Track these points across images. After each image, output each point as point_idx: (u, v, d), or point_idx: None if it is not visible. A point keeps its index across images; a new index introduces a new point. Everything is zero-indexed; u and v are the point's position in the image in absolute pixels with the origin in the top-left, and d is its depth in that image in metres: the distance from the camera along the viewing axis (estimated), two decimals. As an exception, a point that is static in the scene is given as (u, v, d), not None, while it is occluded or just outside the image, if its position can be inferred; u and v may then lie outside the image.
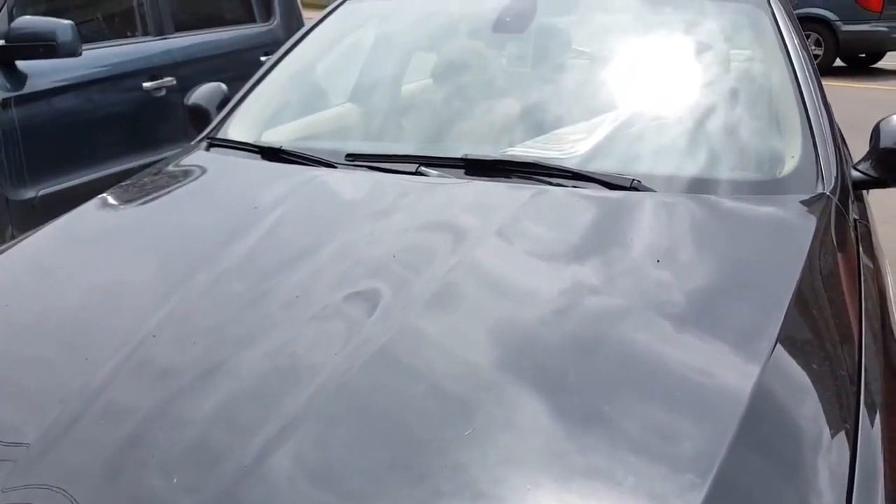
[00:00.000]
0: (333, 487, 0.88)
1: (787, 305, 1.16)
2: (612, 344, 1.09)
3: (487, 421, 0.95)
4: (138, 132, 3.41)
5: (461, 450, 0.91)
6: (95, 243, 1.56)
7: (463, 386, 1.03)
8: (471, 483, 0.87)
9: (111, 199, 1.77)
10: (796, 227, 1.43)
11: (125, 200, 1.77)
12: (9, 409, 1.06)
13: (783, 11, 2.02)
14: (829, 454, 0.93)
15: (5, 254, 1.54)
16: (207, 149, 1.98)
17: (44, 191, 2.98)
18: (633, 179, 1.52)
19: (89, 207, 1.71)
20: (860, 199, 1.74)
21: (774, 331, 1.10)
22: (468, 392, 1.01)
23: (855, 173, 1.72)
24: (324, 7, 2.61)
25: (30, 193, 2.94)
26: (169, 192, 1.78)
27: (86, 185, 3.07)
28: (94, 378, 1.06)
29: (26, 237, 1.61)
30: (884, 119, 1.71)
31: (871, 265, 1.45)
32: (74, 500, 0.87)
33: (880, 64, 10.06)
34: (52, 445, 0.96)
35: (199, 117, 2.23)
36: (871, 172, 1.70)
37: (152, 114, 3.47)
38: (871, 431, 0.98)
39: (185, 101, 2.36)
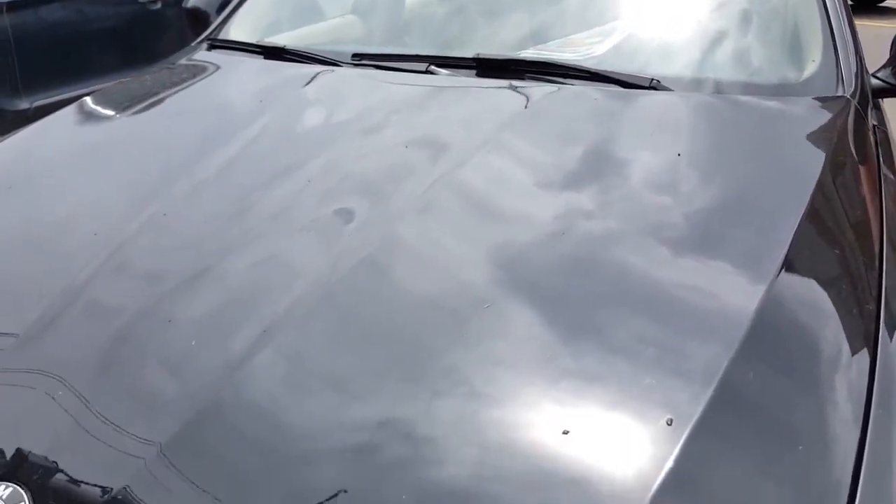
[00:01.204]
0: (321, 387, 0.86)
1: (802, 212, 1.11)
2: (613, 255, 1.05)
3: (480, 328, 0.91)
4: (134, 45, 3.33)
5: (455, 353, 0.87)
6: (75, 146, 1.51)
7: (455, 294, 0.98)
8: (465, 382, 0.84)
9: (94, 103, 1.72)
10: (815, 128, 1.40)
11: (110, 103, 1.72)
12: None
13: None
14: (848, 370, 0.89)
15: None
16: (209, 49, 1.93)
17: (38, 102, 2.91)
18: (652, 79, 1.48)
19: (71, 110, 1.67)
20: (878, 108, 1.71)
21: (787, 239, 1.05)
22: (460, 300, 0.96)
23: (874, 81, 1.69)
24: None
25: (24, 104, 2.88)
26: (163, 92, 1.72)
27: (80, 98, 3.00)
28: (76, 278, 1.03)
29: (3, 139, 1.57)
30: (905, 27, 1.67)
31: (891, 174, 1.43)
32: (65, 386, 0.86)
33: (889, 3, 9.87)
34: (40, 337, 0.94)
35: (199, 21, 2.16)
36: (891, 80, 1.67)
37: (148, 26, 3.39)
38: (891, 347, 0.93)
39: (183, 3, 2.29)
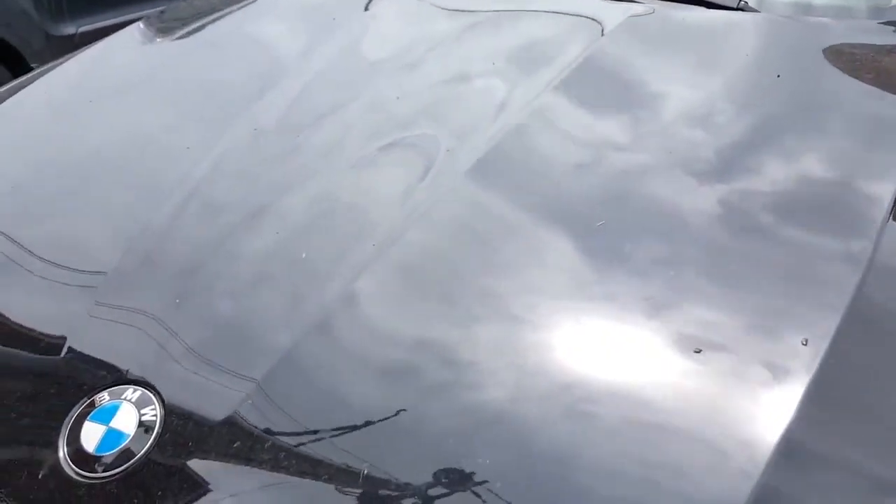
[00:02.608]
0: (395, 323, 0.84)
1: None
2: (733, 177, 1.01)
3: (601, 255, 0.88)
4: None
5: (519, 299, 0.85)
6: (128, 75, 1.45)
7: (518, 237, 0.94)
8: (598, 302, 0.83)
9: (152, 25, 1.68)
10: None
11: (170, 25, 1.68)
12: (78, 242, 1.01)
13: None
14: None
15: (35, 84, 1.44)
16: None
17: (84, 27, 2.87)
18: (740, 0, 1.43)
19: (122, 37, 1.62)
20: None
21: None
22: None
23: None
24: None
25: (70, 29, 2.84)
26: (219, 16, 1.68)
27: (128, 24, 2.95)
28: (154, 216, 1.00)
29: (55, 67, 1.52)
30: None
31: None
32: (155, 322, 0.85)
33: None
34: (129, 274, 0.92)
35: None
36: None
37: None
38: None
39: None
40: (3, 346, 0.86)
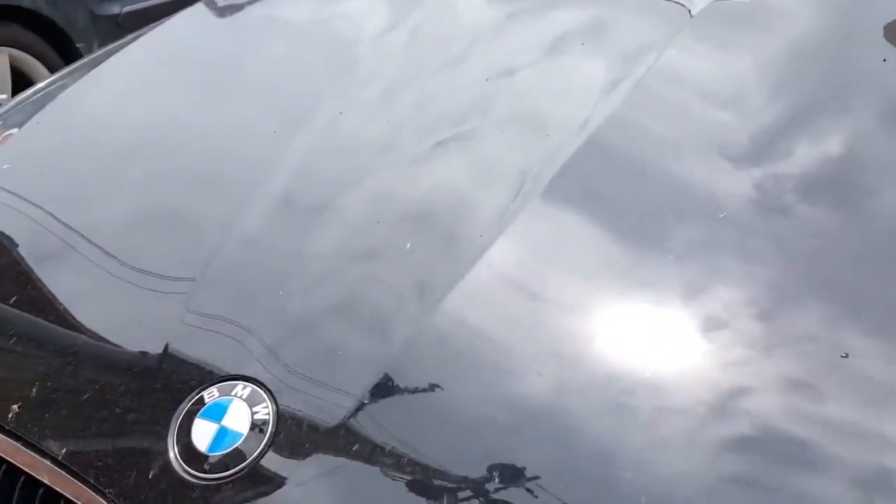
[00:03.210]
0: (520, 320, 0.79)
1: None
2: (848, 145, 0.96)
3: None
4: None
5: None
6: (200, 57, 1.40)
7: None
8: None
9: (214, 8, 1.63)
10: None
11: (230, 9, 1.63)
12: (167, 233, 0.97)
13: None
14: None
15: (101, 68, 1.37)
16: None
17: (129, 7, 2.85)
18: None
19: (189, 16, 1.56)
20: None
21: None
22: None
23: None
24: None
25: (115, 9, 2.82)
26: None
27: (172, 5, 2.93)
28: (247, 204, 0.94)
29: (120, 48, 1.44)
30: None
31: None
32: (261, 314, 0.81)
33: None
34: (226, 268, 0.87)
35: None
36: None
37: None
38: None
39: None
40: (98, 340, 0.83)
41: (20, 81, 3.09)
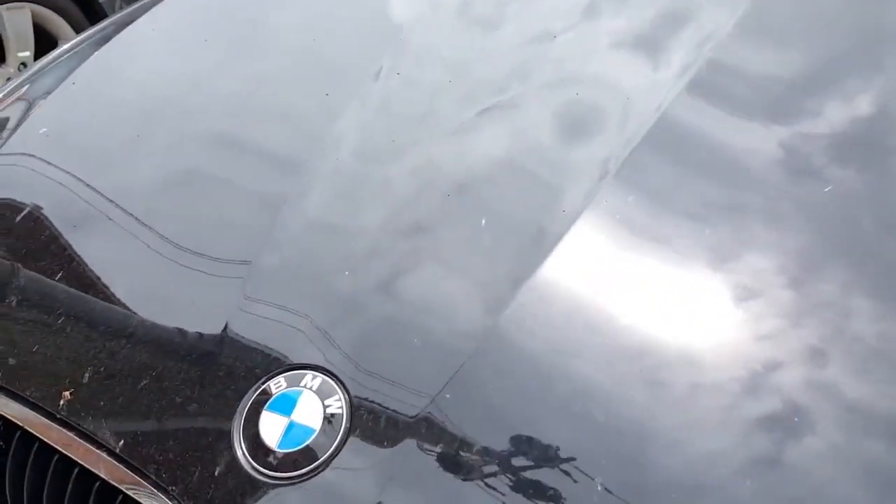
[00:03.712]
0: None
1: None
2: None
3: None
4: None
5: None
6: (243, 13, 1.26)
7: None
8: None
9: None
10: None
11: None
12: (216, 211, 0.89)
13: None
14: None
15: (139, 22, 1.26)
16: None
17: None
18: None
19: None
20: None
21: None
22: None
23: None
24: None
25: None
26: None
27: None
28: (303, 173, 0.88)
29: (154, 2, 1.33)
30: None
31: None
32: (328, 296, 0.74)
33: None
34: (286, 247, 0.81)
35: None
36: None
37: None
38: None
39: None
40: (152, 321, 0.77)
41: (43, 38, 3.02)
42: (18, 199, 0.94)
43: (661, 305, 0.71)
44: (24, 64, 2.97)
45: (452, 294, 0.74)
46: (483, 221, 0.78)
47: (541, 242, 0.74)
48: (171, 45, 1.20)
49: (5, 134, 1.08)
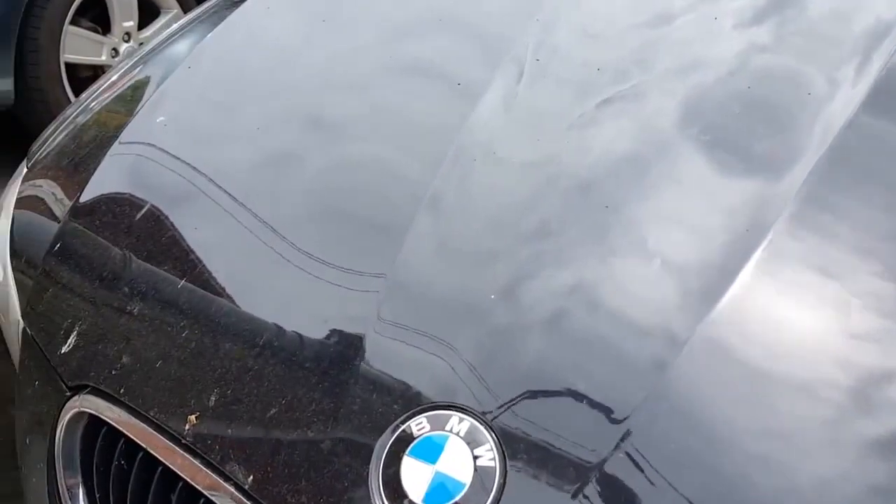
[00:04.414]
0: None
1: None
2: None
3: None
4: None
5: None
6: None
7: None
8: None
9: None
10: None
11: None
12: (347, 214, 0.81)
13: None
14: None
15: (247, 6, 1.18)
16: None
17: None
18: None
19: None
20: None
21: None
22: None
23: None
24: None
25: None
26: None
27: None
28: (437, 180, 0.78)
29: None
30: None
31: None
32: (473, 326, 0.66)
33: None
34: (424, 264, 0.73)
35: None
36: None
37: None
38: None
39: None
40: (280, 342, 0.71)
41: (146, 8, 3.05)
42: (138, 196, 0.90)
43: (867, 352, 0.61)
44: (128, 34, 3.01)
45: (622, 329, 0.64)
46: (656, 248, 0.69)
47: (721, 275, 0.64)
48: (289, 26, 1.12)
49: (121, 122, 1.05)
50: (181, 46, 1.22)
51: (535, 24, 0.95)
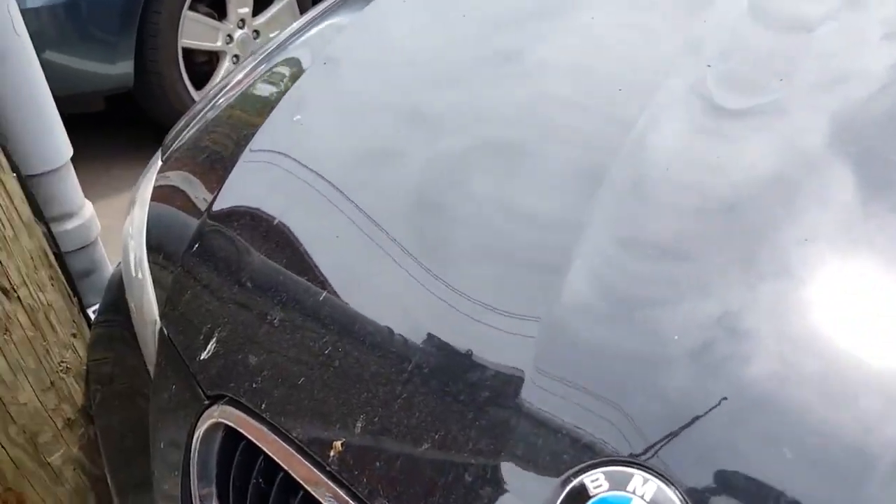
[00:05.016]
0: None
1: None
2: None
3: None
4: None
5: None
6: None
7: None
8: None
9: None
10: None
11: None
12: (498, 240, 0.73)
13: None
14: None
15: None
16: None
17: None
18: None
19: None
20: None
21: None
22: None
23: None
24: None
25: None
26: None
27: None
28: (601, 200, 0.71)
29: None
30: None
31: None
32: (651, 368, 0.59)
33: None
34: (592, 291, 0.65)
35: None
36: None
37: None
38: None
39: None
40: (430, 372, 0.65)
41: (261, -6, 3.09)
42: (276, 199, 0.86)
43: None
44: (242, 20, 3.05)
45: (832, 390, 0.55)
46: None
47: None
48: (427, 21, 1.07)
49: (254, 120, 1.02)
50: (308, 44, 1.18)
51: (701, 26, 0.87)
